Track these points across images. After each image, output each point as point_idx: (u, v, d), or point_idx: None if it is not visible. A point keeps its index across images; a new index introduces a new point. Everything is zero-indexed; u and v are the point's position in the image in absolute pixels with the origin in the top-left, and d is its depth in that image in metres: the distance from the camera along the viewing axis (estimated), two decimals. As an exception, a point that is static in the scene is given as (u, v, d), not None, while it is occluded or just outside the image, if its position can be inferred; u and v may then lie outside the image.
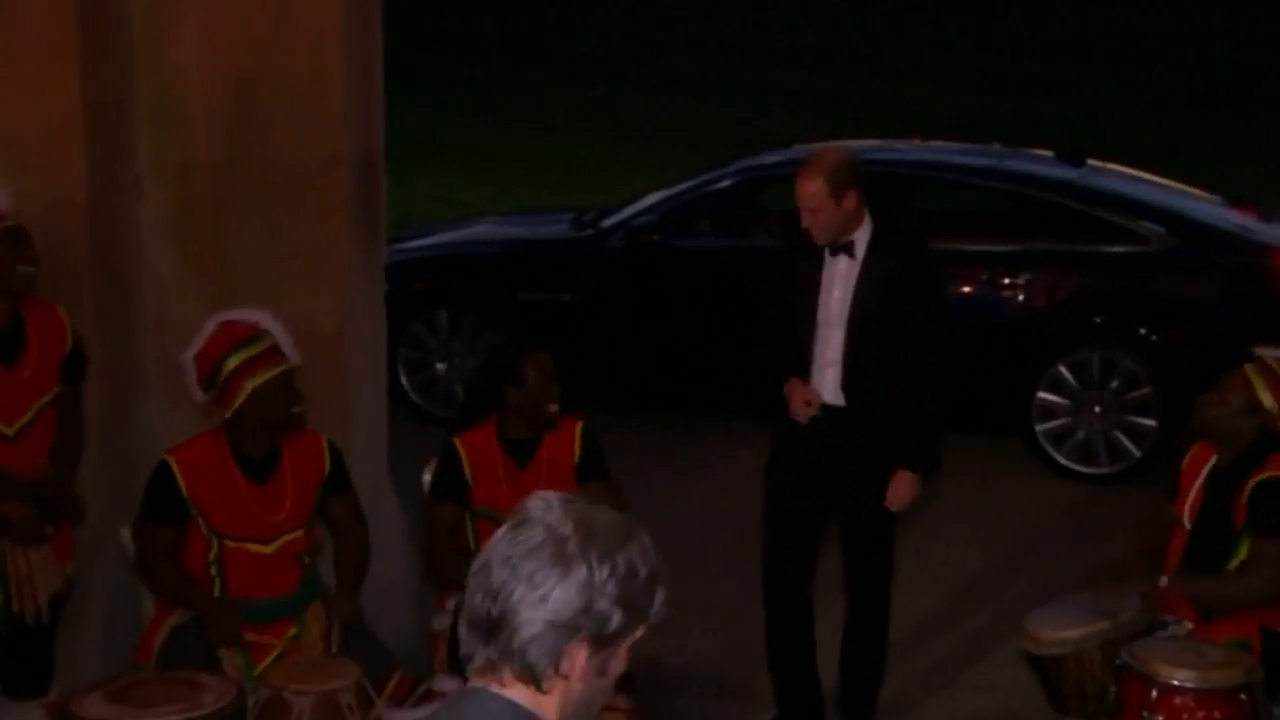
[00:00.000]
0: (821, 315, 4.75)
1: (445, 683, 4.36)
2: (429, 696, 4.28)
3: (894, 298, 4.70)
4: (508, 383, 4.57)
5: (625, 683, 4.50)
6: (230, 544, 4.26)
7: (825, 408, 4.76)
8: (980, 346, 7.40)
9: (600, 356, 7.68)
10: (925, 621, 5.88)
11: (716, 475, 7.22)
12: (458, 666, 4.41)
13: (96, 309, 4.46)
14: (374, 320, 5.31)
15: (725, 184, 7.98)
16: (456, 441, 4.66)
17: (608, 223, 7.95)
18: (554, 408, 4.55)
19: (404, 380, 7.74)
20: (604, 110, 16.00)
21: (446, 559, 4.58)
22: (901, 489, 4.78)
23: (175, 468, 4.24)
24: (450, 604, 4.60)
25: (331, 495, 4.44)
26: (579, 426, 4.64)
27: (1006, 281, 7.43)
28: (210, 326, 4.28)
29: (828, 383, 4.77)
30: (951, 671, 5.55)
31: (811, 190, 4.63)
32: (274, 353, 4.24)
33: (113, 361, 4.47)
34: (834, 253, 4.74)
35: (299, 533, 4.36)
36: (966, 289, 7.46)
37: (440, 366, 7.90)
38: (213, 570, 4.29)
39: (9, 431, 4.07)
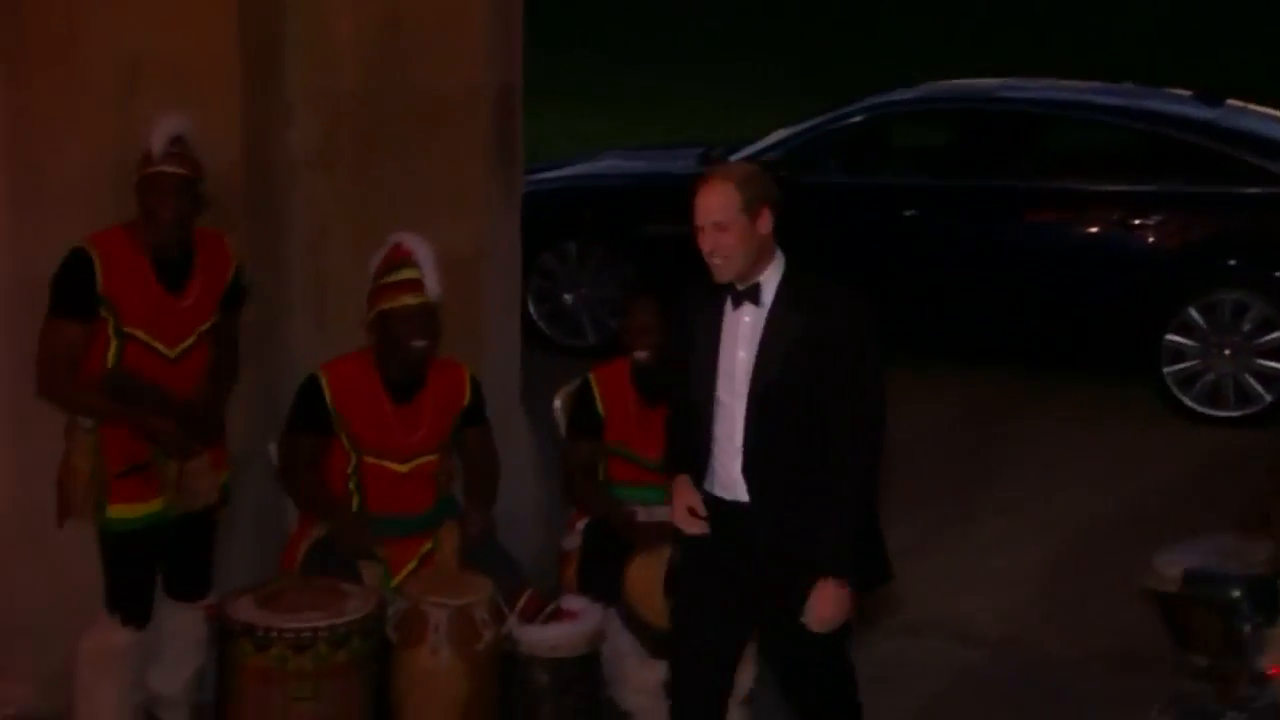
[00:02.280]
0: (722, 385, 3.66)
1: (574, 601, 4.51)
2: (558, 614, 4.43)
3: (810, 360, 3.59)
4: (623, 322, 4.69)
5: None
6: (369, 460, 4.42)
7: (727, 505, 3.72)
8: (1109, 288, 7.36)
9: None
10: (1045, 561, 5.91)
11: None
12: (586, 586, 4.59)
13: (248, 234, 4.61)
14: (509, 251, 5.43)
15: (855, 120, 7.99)
16: (592, 377, 4.77)
17: (735, 158, 7.99)
18: (641, 354, 4.61)
19: (532, 309, 7.88)
20: (735, 47, 15.94)
21: (584, 491, 4.72)
22: (823, 606, 3.63)
23: (324, 381, 4.40)
24: (580, 525, 4.75)
25: (468, 426, 4.57)
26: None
27: (1138, 223, 7.36)
28: (386, 246, 4.42)
29: (732, 474, 3.70)
30: (1073, 609, 5.57)
31: (719, 201, 3.57)
32: (412, 284, 4.36)
33: (262, 285, 4.63)
34: (736, 303, 3.65)
35: (434, 456, 4.50)
36: (1097, 230, 7.41)
37: (568, 297, 8.04)
38: (351, 484, 4.46)
39: (170, 355, 4.25)
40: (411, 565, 4.45)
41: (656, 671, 4.43)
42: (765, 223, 3.62)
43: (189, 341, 4.27)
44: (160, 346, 4.22)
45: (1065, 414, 7.33)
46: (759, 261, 3.63)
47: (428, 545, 4.49)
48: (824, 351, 3.59)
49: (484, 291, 5.17)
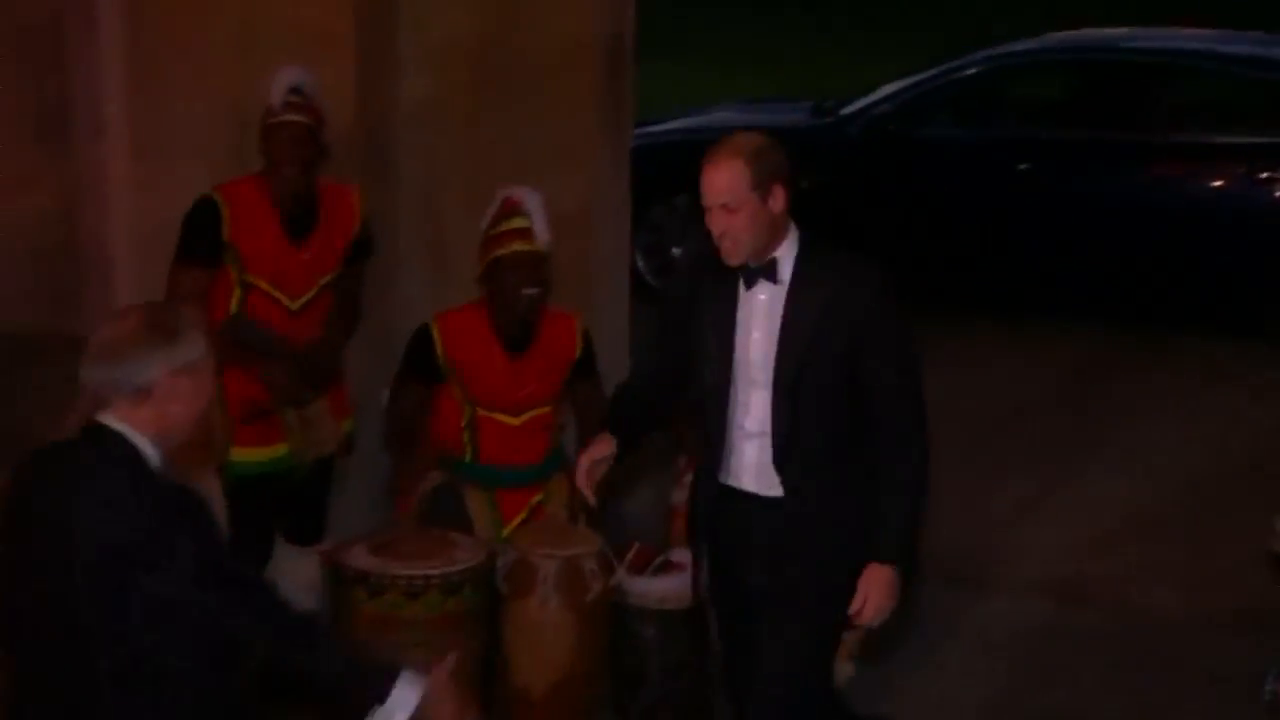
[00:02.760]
0: (741, 371, 3.42)
1: (682, 554, 4.52)
2: (667, 567, 4.45)
3: (839, 336, 3.35)
4: None
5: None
6: (482, 412, 4.47)
7: (753, 500, 3.48)
8: (1234, 243, 7.19)
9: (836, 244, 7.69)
10: (1159, 521, 5.81)
11: (955, 368, 7.19)
12: (694, 539, 4.60)
13: (363, 187, 4.66)
14: (618, 205, 5.44)
15: (971, 72, 7.86)
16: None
17: (846, 111, 7.91)
18: None
19: (640, 263, 7.88)
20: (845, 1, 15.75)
21: (685, 439, 4.72)
22: (881, 592, 3.39)
23: (435, 332, 4.44)
24: (689, 478, 4.75)
25: (579, 378, 4.57)
26: None
27: (1265, 176, 7.17)
28: (496, 200, 4.45)
29: (747, 464, 3.46)
30: (1188, 571, 5.49)
31: (726, 179, 3.32)
32: (522, 232, 4.38)
33: (377, 237, 4.69)
34: (750, 281, 3.41)
35: (546, 408, 4.52)
36: (1222, 183, 7.23)
37: (676, 251, 8.02)
38: (466, 436, 4.50)
39: (293, 306, 4.32)
40: (522, 516, 4.49)
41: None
42: (778, 200, 3.35)
43: (311, 294, 4.33)
44: (282, 297, 4.29)
45: (1183, 371, 7.19)
46: (773, 240, 3.38)
47: (538, 497, 4.53)
48: (852, 326, 3.34)
49: (593, 245, 5.19)
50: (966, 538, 5.55)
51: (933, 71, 7.92)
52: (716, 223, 3.33)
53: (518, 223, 4.38)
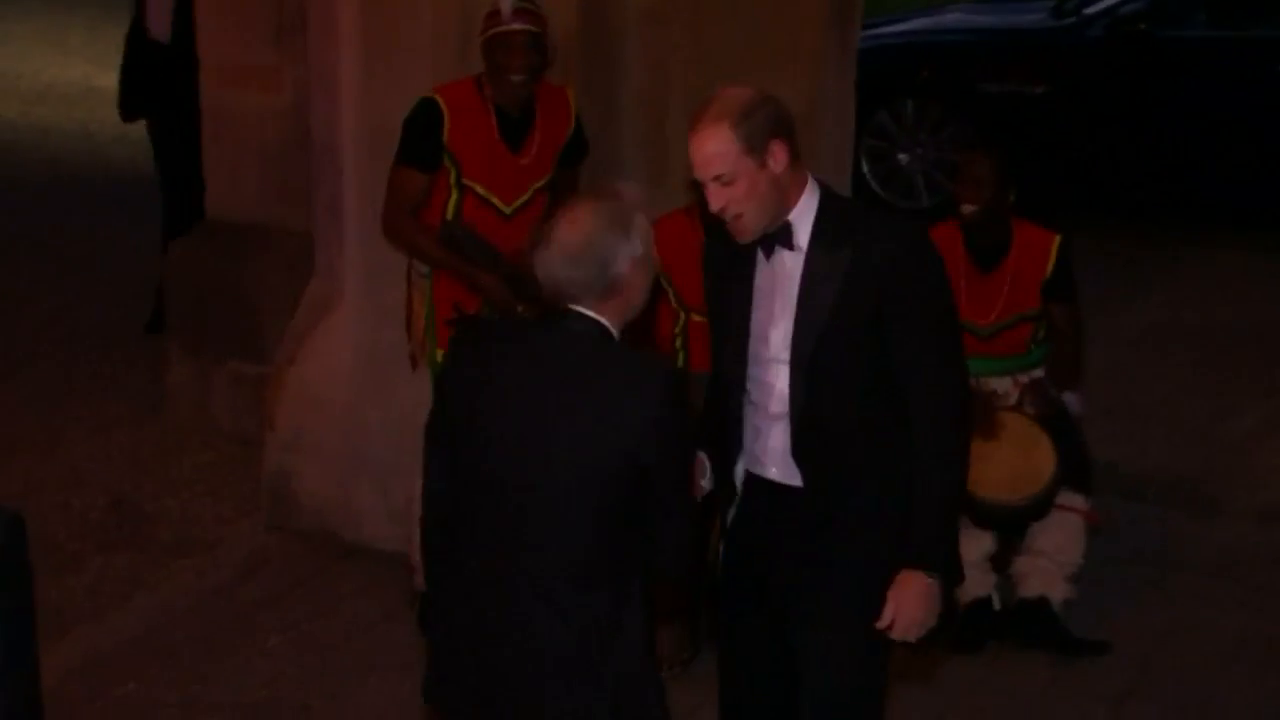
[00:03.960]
0: (759, 347, 3.02)
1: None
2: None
3: (864, 304, 2.92)
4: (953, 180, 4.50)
5: (1081, 483, 4.46)
6: (696, 318, 4.43)
7: (773, 489, 3.07)
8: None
9: (1070, 152, 7.40)
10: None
11: (1182, 285, 6.90)
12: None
13: (584, 89, 4.64)
14: (842, 108, 5.30)
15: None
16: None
17: (1090, 10, 7.55)
18: (970, 209, 4.39)
19: (866, 169, 7.73)
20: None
21: None
22: (913, 604, 2.94)
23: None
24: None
25: None
26: (1056, 242, 4.45)
27: None
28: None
29: (771, 450, 3.05)
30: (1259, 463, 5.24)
31: (714, 148, 2.89)
32: None
33: (596, 140, 4.67)
34: (768, 250, 2.99)
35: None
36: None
37: (903, 157, 7.84)
38: (678, 343, 4.49)
39: (507, 211, 4.34)
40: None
41: (983, 542, 4.38)
42: (779, 159, 2.90)
43: (525, 198, 4.34)
44: (497, 201, 4.32)
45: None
46: (784, 201, 2.94)
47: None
48: (876, 292, 2.89)
49: (815, 150, 5.06)
50: (1198, 463, 5.35)
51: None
52: (714, 199, 2.91)
53: None
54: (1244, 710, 4.12)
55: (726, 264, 3.05)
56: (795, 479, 3.02)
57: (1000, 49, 7.76)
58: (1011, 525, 4.41)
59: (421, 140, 4.25)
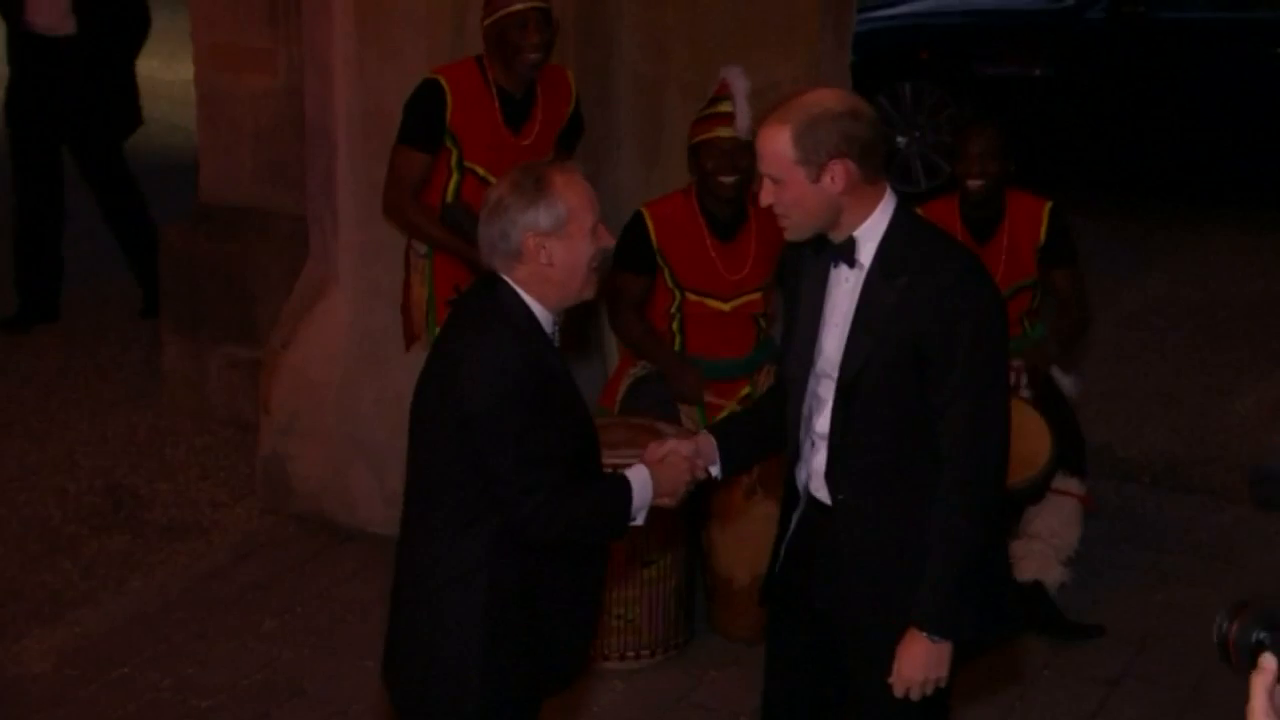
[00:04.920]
0: (817, 360, 2.91)
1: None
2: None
3: (906, 338, 2.78)
4: (952, 159, 4.49)
5: (1077, 466, 4.46)
6: (691, 297, 4.43)
7: (812, 504, 2.99)
8: None
9: (1068, 135, 7.39)
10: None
11: (1181, 264, 6.89)
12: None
13: (580, 68, 4.62)
14: (839, 88, 5.28)
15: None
16: (919, 212, 4.61)
17: (1086, -7, 7.54)
18: (974, 184, 4.39)
19: (863, 152, 7.69)
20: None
21: None
22: (909, 664, 2.84)
23: (648, 220, 4.41)
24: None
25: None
26: (1047, 208, 4.48)
27: None
28: (719, 78, 4.36)
29: (814, 465, 2.95)
30: (1256, 445, 5.23)
31: (770, 147, 2.80)
32: (725, 118, 4.27)
33: (590, 119, 4.65)
34: (835, 260, 2.88)
35: (757, 295, 4.46)
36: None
37: (900, 140, 7.81)
38: (674, 325, 4.47)
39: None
40: (731, 407, 4.46)
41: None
42: (837, 179, 2.76)
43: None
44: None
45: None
46: (845, 215, 2.81)
47: (746, 389, 4.49)
48: (919, 328, 2.75)
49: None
50: (1201, 444, 5.33)
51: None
52: (764, 194, 2.84)
53: (723, 107, 4.29)
54: (1239, 693, 4.09)
55: (807, 263, 2.93)
56: (828, 499, 2.93)
57: (998, 31, 7.74)
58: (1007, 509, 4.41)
59: (424, 121, 4.23)
